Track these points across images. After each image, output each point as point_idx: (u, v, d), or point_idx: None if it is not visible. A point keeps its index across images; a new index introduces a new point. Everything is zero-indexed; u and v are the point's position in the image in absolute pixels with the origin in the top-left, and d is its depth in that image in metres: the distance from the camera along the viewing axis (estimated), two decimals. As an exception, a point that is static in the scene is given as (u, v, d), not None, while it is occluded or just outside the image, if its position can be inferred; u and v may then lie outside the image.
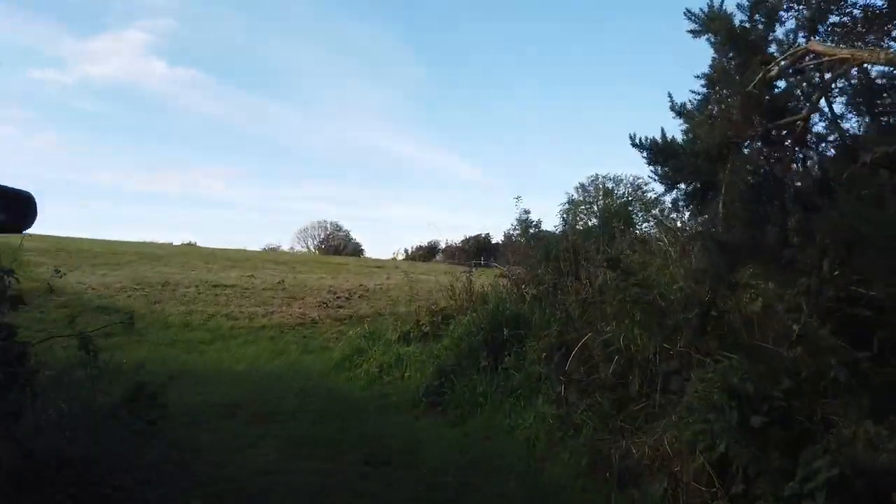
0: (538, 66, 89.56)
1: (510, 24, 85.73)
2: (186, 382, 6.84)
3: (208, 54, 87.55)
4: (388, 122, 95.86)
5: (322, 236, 67.17)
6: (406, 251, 66.79)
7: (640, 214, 65.59)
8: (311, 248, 65.78)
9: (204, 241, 55.17)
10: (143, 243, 42.80)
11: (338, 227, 68.48)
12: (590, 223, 67.16)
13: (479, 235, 66.71)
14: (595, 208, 67.35)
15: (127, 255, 22.04)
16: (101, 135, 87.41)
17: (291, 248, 64.45)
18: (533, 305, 5.87)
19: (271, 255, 31.81)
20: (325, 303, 15.38)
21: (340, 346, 8.38)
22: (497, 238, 66.51)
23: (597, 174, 66.51)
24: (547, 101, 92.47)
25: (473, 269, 13.18)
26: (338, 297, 16.35)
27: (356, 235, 68.68)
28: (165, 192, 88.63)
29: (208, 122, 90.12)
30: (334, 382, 7.06)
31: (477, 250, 63.22)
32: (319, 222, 67.42)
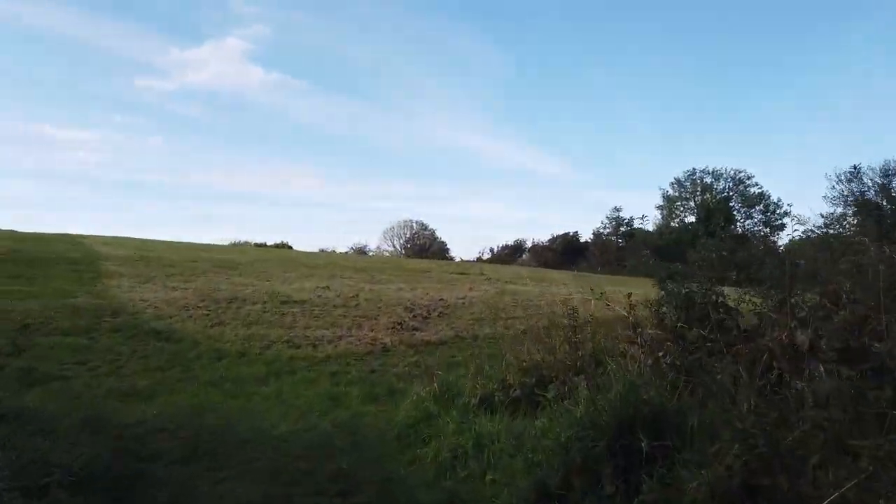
0: (626, 59, 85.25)
1: (596, 19, 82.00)
2: (210, 461, 5.34)
3: (300, 59, 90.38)
4: (474, 119, 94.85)
5: (408, 235, 66.93)
6: (491, 251, 65.17)
7: (742, 210, 60.49)
8: (398, 247, 65.53)
9: (297, 241, 56.03)
10: (234, 246, 43.51)
11: (423, 227, 67.95)
12: (686, 220, 62.83)
13: (566, 234, 64.05)
14: (692, 204, 62.94)
15: (204, 265, 21.56)
16: (202, 139, 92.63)
17: (378, 247, 64.40)
18: (681, 391, 3.87)
19: (352, 260, 30.92)
20: (399, 323, 13.81)
21: (406, 406, 6.64)
22: (586, 236, 63.68)
23: (693, 168, 62.17)
24: (636, 93, 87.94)
25: (575, 272, 11.03)
26: (414, 317, 14.74)
27: (441, 234, 67.96)
28: (262, 193, 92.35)
29: (301, 124, 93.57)
30: (392, 466, 5.35)
31: (564, 249, 60.73)
32: (405, 221, 67.16)
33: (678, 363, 4.34)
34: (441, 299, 17.68)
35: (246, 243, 51.82)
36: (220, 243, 41.95)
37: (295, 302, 15.12)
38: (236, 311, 13.41)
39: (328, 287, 18.69)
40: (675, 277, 5.49)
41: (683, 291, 5.12)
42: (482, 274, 28.53)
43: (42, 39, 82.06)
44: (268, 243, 53.90)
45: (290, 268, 23.45)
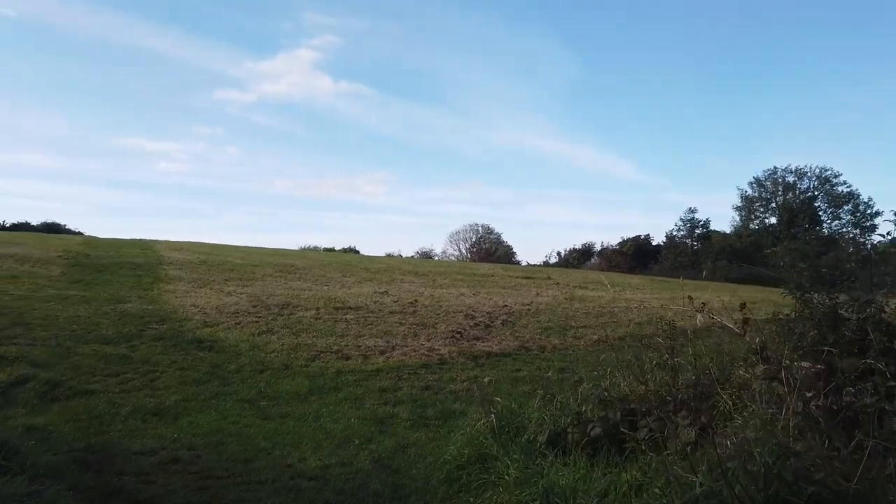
0: (698, 55, 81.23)
1: (666, 16, 78.53)
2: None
3: (368, 67, 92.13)
4: (541, 121, 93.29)
5: (473, 239, 66.16)
6: (559, 254, 63.22)
7: (828, 211, 55.76)
8: (463, 251, 64.87)
9: (364, 246, 56.28)
10: (302, 250, 43.76)
11: (489, 230, 66.98)
12: (767, 221, 58.67)
13: (637, 237, 61.15)
14: (773, 205, 58.80)
15: (265, 269, 21.20)
16: (277, 147, 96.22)
17: (444, 251, 63.94)
18: (840, 452, 2.57)
19: (414, 264, 30.13)
20: (458, 332, 12.69)
21: (458, 441, 5.47)
22: (658, 239, 60.62)
23: (775, 167, 58.10)
24: (710, 89, 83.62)
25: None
26: (476, 325, 13.58)
27: (507, 238, 66.78)
28: (333, 199, 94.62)
29: (370, 130, 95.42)
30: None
31: (635, 252, 57.97)
32: (471, 225, 66.51)
33: (835, 408, 2.99)
34: (505, 305, 16.46)
35: (314, 248, 52.29)
36: (289, 248, 42.32)
37: (349, 308, 14.28)
38: (287, 318, 12.67)
39: (386, 292, 17.84)
40: (819, 284, 4.07)
41: (828, 303, 3.73)
42: (549, 278, 27.05)
43: (130, 57, 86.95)
44: (336, 248, 54.27)
45: (350, 272, 22.83)
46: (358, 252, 51.28)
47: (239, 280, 18.10)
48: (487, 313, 15.05)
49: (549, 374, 10.35)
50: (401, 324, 13.08)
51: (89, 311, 11.77)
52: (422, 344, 11.52)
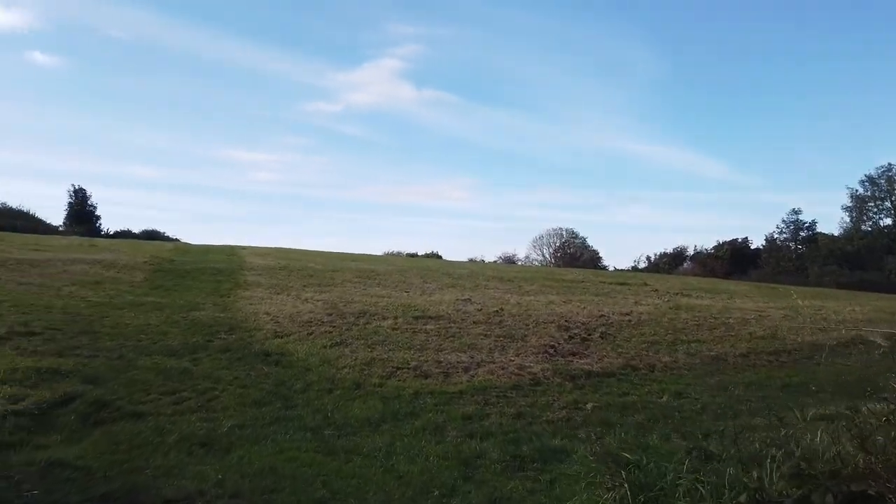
0: (797, 46, 75.20)
1: (759, 7, 73.23)
2: None
3: (451, 74, 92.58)
4: (627, 122, 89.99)
5: (557, 244, 64.20)
6: (648, 259, 59.88)
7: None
8: (547, 256, 63.06)
9: (447, 252, 55.74)
10: (384, 256, 43.47)
11: (573, 235, 64.72)
12: (881, 223, 52.68)
13: (734, 240, 56.76)
14: (888, 204, 52.76)
15: (344, 274, 20.52)
16: (363, 155, 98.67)
17: (527, 256, 62.38)
18: None
19: (498, 270, 28.75)
20: (552, 346, 11.22)
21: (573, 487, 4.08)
22: (757, 242, 56.00)
23: (889, 163, 52.04)
24: (810, 83, 77.26)
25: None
26: (571, 338, 12.05)
27: (593, 242, 64.22)
28: (417, 205, 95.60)
29: (452, 136, 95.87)
30: None
31: (732, 257, 53.78)
32: (555, 229, 64.54)
33: None
34: (601, 315, 14.77)
35: (398, 253, 52.08)
36: (372, 253, 42.13)
37: (430, 317, 13.12)
38: (363, 328, 11.66)
39: (469, 300, 16.58)
40: None
41: None
42: (646, 284, 24.87)
43: (227, 73, 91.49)
44: (419, 253, 53.91)
45: (431, 278, 21.77)
46: (440, 257, 50.57)
47: (317, 286, 17.43)
48: (583, 324, 13.45)
49: (664, 399, 8.73)
50: (486, 336, 11.76)
51: (160, 319, 11.25)
52: (510, 360, 10.15)
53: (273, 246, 34.54)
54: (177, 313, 11.92)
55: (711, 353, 11.57)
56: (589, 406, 8.21)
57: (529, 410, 7.73)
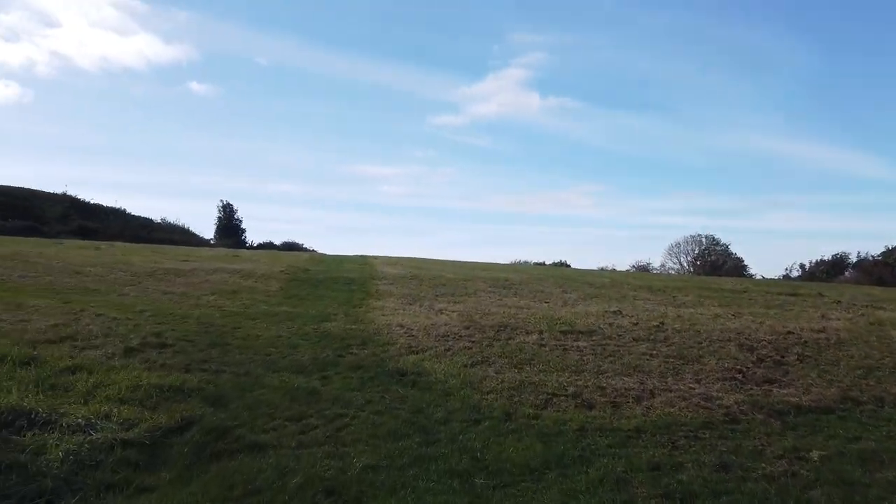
0: None
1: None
2: None
3: (577, 80, 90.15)
4: (769, 120, 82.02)
5: (696, 252, 59.48)
6: (802, 266, 53.48)
7: None
8: (685, 264, 58.48)
9: (574, 260, 53.40)
10: (512, 265, 42.08)
11: (714, 241, 59.40)
12: None
13: (906, 244, 48.89)
14: None
15: (477, 283, 19.30)
16: (487, 165, 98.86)
17: (662, 265, 58.21)
18: None
19: (642, 279, 26.19)
20: (738, 370, 9.12)
21: None
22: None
23: None
24: None
25: None
26: (760, 360, 9.83)
27: (735, 250, 58.56)
28: (541, 213, 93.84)
29: (579, 143, 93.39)
30: None
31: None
32: (693, 236, 59.63)
33: None
34: (789, 332, 12.23)
35: (525, 263, 50.50)
36: (500, 262, 40.89)
37: (580, 332, 11.43)
38: (505, 344, 10.26)
39: (619, 311, 14.63)
40: None
41: None
42: (821, 295, 21.24)
43: (359, 92, 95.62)
44: (546, 262, 51.96)
45: (570, 287, 19.95)
46: (569, 266, 48.19)
47: (450, 296, 16.34)
48: (769, 343, 11.08)
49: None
50: (651, 355, 9.87)
51: (291, 331, 10.59)
52: (690, 387, 8.23)
53: (403, 255, 34.36)
54: (308, 324, 11.25)
55: (962, 385, 8.84)
56: (815, 455, 6.17)
57: (735, 460, 5.87)
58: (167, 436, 5.44)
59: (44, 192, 46.97)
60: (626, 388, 8.00)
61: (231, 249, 34.37)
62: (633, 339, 11.01)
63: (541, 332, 11.21)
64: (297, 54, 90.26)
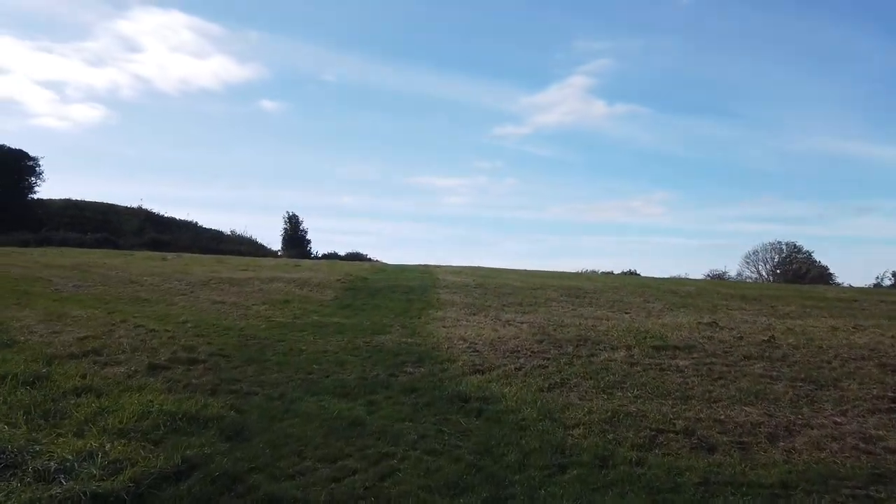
0: None
1: None
2: None
3: (643, 86, 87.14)
4: (853, 121, 75.78)
5: (777, 259, 55.36)
6: (894, 274, 48.58)
7: None
8: (763, 273, 54.48)
9: (644, 270, 50.50)
10: (582, 273, 39.91)
11: (796, 248, 55.11)
12: None
13: None
14: None
15: (547, 292, 17.62)
16: (551, 175, 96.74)
17: (739, 273, 54.51)
18: None
19: (732, 287, 23.66)
20: (893, 399, 7.14)
21: None
22: None
23: None
24: None
25: None
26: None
27: (820, 257, 54.12)
28: (609, 222, 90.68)
29: (646, 150, 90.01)
30: None
31: None
32: (773, 243, 55.68)
33: None
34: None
35: (592, 272, 48.04)
36: (567, 271, 38.79)
37: (675, 347, 9.63)
38: (587, 362, 8.63)
39: (714, 323, 12.67)
40: None
41: None
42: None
43: (423, 105, 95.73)
44: (614, 272, 49.30)
45: (653, 296, 17.94)
46: (638, 275, 45.43)
47: (518, 305, 14.77)
48: (919, 363, 8.93)
49: None
50: (772, 378, 8.00)
51: (339, 345, 9.35)
52: (836, 422, 6.37)
53: (466, 264, 32.93)
54: (359, 337, 9.98)
55: None
56: None
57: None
58: (159, 485, 4.19)
59: (121, 207, 48.47)
60: (751, 423, 6.23)
61: (294, 259, 33.98)
62: (744, 357, 9.12)
63: (629, 348, 9.50)
64: (362, 69, 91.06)
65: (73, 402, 5.76)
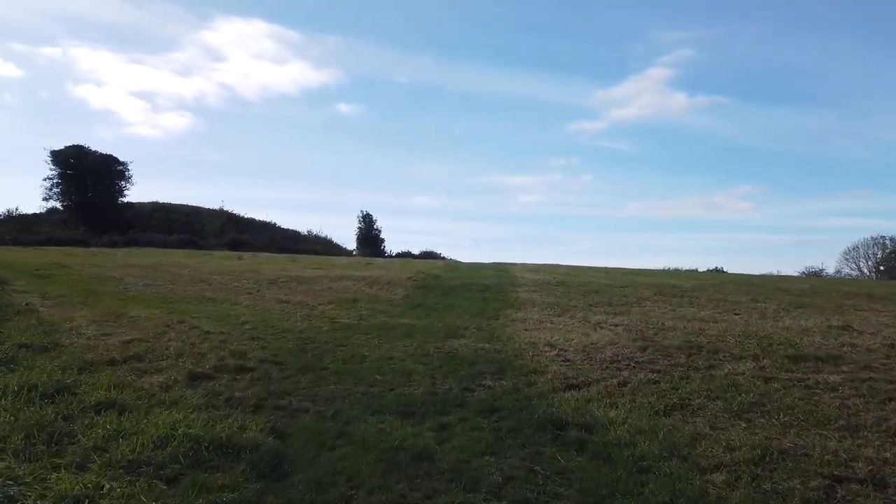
0: None
1: None
2: None
3: (727, 76, 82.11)
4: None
5: (880, 256, 50.25)
6: None
7: None
8: (864, 269, 49.59)
9: (731, 267, 46.91)
10: (666, 272, 37.28)
11: (900, 244, 49.74)
12: None
13: None
14: None
15: (638, 290, 15.83)
16: (628, 171, 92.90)
17: (838, 270, 49.95)
18: None
19: (853, 284, 20.86)
20: None
21: None
22: None
23: None
24: None
25: None
26: None
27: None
28: (690, 218, 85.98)
29: (730, 143, 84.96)
30: None
31: None
32: (874, 238, 50.77)
33: None
34: None
35: (677, 270, 45.01)
36: (652, 268, 36.30)
37: (817, 358, 7.81)
38: (707, 376, 7.01)
39: (849, 327, 10.62)
40: None
41: None
42: None
43: (495, 104, 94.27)
44: (699, 269, 45.99)
45: (759, 294, 15.76)
46: (727, 273, 42.01)
47: (608, 305, 13.15)
48: None
49: None
50: (962, 401, 6.11)
51: (407, 351, 8.16)
52: None
53: (541, 263, 31.22)
54: (430, 341, 8.76)
55: None
56: None
57: None
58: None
59: (204, 209, 49.91)
60: (965, 470, 4.50)
61: (366, 258, 33.46)
62: (911, 374, 7.21)
63: (756, 358, 7.77)
64: (435, 69, 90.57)
65: (87, 421, 4.83)
